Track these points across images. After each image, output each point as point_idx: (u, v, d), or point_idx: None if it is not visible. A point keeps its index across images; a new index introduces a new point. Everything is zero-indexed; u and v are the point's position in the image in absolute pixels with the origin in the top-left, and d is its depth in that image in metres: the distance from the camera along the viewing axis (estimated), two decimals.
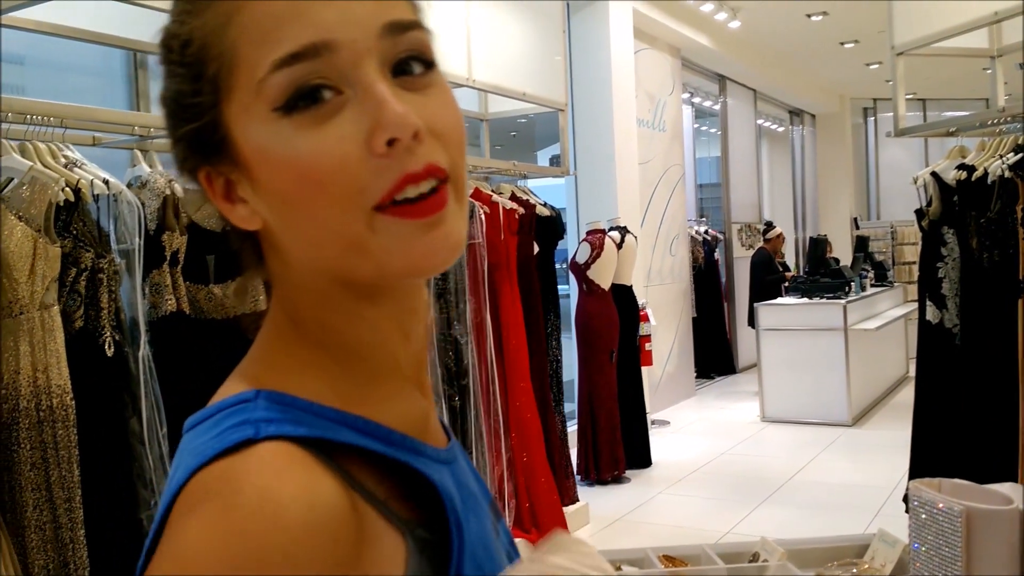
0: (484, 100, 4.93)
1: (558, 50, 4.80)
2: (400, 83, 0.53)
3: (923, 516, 1.23)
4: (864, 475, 5.36)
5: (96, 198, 2.10)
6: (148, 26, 2.83)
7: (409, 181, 0.52)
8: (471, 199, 3.89)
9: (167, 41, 0.56)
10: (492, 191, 4.16)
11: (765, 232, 8.67)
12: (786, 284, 7.92)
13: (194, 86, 0.54)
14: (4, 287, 1.88)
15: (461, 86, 4.06)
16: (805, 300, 7.25)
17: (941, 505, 1.21)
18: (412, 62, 0.54)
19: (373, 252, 0.52)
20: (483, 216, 3.88)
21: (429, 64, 0.55)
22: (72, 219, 2.00)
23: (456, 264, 3.71)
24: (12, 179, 2.03)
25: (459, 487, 0.60)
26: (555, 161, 10.55)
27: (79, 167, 2.12)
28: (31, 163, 2.01)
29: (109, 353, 2.01)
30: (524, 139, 12.32)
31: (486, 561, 0.59)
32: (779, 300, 7.49)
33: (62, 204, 1.99)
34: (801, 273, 8.56)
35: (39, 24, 2.61)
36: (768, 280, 8.03)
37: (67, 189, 2.00)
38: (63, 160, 2.12)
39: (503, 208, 4.05)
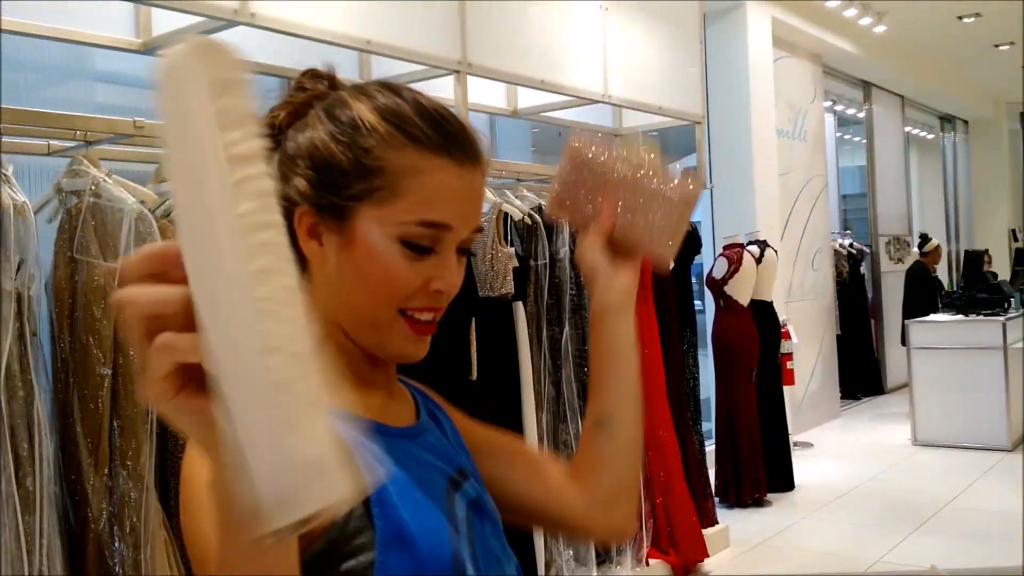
0: (618, 115, 4.91)
1: (694, 61, 4.73)
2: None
3: None
4: None
5: None
6: (301, 54, 2.96)
7: (429, 310, 0.82)
8: None
9: (355, 126, 0.81)
10: None
11: (921, 245, 8.25)
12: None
13: (355, 176, 0.80)
14: None
15: (597, 102, 4.06)
16: (960, 317, 6.85)
17: None
18: (467, 249, 0.85)
19: (382, 335, 0.82)
20: None
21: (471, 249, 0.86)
22: None
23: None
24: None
25: (406, 453, 0.83)
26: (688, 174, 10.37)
27: None
28: None
29: None
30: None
31: (425, 507, 0.79)
32: (932, 317, 7.09)
33: None
34: (956, 288, 8.09)
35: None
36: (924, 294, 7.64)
37: None
38: None
39: None
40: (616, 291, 0.97)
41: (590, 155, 0.95)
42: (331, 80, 0.88)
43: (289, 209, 0.81)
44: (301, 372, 0.46)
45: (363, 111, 0.81)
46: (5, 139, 2.03)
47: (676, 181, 0.92)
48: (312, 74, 0.87)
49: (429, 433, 0.90)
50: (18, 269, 1.86)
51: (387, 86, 0.84)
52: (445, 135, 0.81)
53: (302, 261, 0.84)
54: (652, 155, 0.94)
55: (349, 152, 0.80)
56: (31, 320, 1.88)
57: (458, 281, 0.83)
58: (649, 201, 0.92)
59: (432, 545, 0.78)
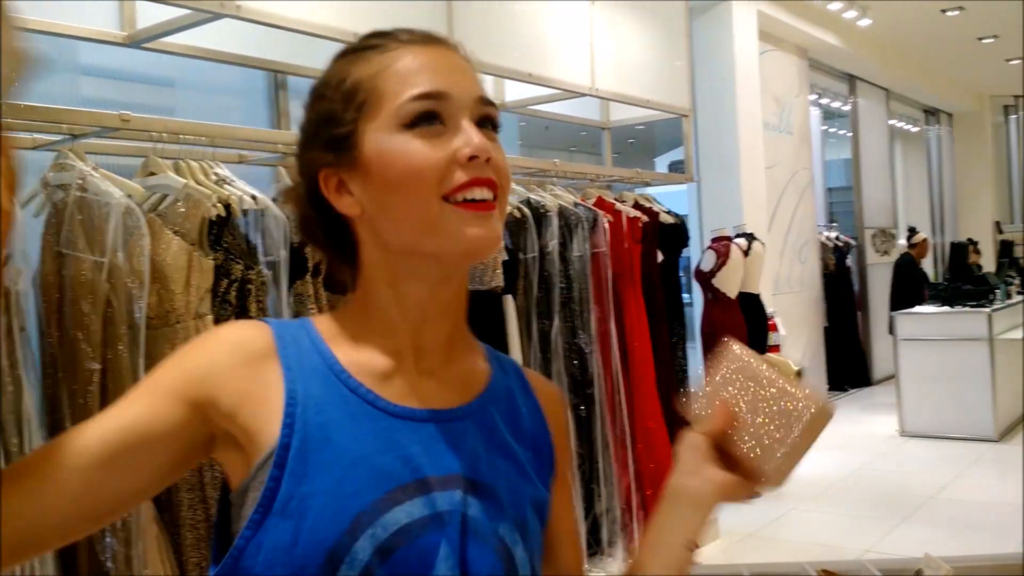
0: (605, 108, 4.90)
1: (681, 55, 4.73)
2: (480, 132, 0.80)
3: None
4: (1012, 493, 5.03)
5: (245, 213, 2.19)
6: (287, 48, 2.95)
7: (477, 183, 0.77)
8: (594, 208, 3.88)
9: (327, 80, 0.83)
10: (615, 199, 4.14)
11: (909, 238, 8.30)
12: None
13: (343, 107, 0.81)
14: (162, 298, 1.99)
15: (584, 95, 4.05)
16: (947, 309, 6.90)
17: None
18: (488, 123, 0.82)
19: (440, 232, 0.76)
20: (607, 225, 3.86)
21: (495, 128, 0.83)
22: (223, 233, 2.10)
23: (580, 273, 3.70)
24: (167, 195, 2.16)
25: (384, 433, 0.78)
26: (675, 167, 10.40)
27: (228, 184, 2.23)
28: (185, 181, 2.12)
29: None
30: (642, 145, 12.21)
31: (340, 495, 0.74)
32: (918, 309, 7.14)
33: (214, 219, 2.09)
34: (941, 280, 8.15)
35: (187, 48, 2.76)
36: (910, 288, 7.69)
37: (218, 205, 2.11)
38: (214, 177, 2.23)
39: (626, 216, 4.01)
40: (711, 485, 0.84)
41: (738, 357, 0.90)
42: None
43: (318, 188, 0.83)
44: None
45: (322, 72, 0.87)
46: None
47: (812, 406, 0.82)
48: None
49: (451, 427, 0.81)
50: (3, 264, 1.85)
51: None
52: (397, 33, 0.84)
53: (354, 249, 0.85)
54: (796, 373, 0.89)
55: (326, 97, 0.83)
56: (19, 315, 1.86)
57: (486, 145, 0.78)
58: (773, 418, 0.84)
59: (315, 531, 0.72)
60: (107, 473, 0.72)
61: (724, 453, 0.85)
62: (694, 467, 0.84)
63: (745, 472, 0.84)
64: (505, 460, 0.83)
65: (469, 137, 0.77)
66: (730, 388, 0.87)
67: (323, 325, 0.84)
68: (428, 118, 0.78)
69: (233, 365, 0.78)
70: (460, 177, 0.77)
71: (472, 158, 0.77)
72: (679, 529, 0.85)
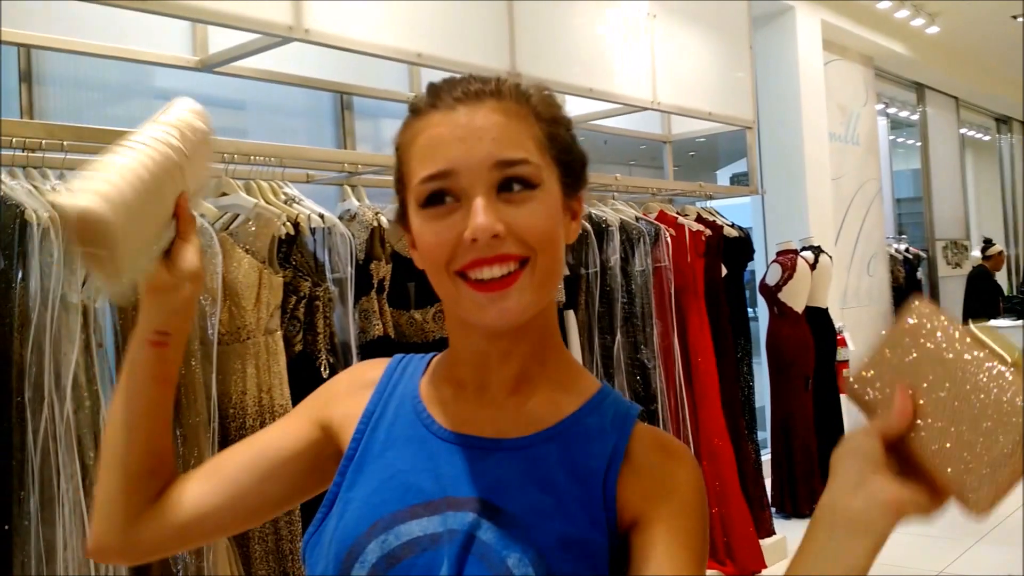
0: (666, 121, 4.88)
1: (743, 66, 4.69)
2: (503, 197, 0.79)
3: None
4: None
5: (312, 231, 2.24)
6: (353, 69, 3.00)
7: (479, 263, 0.77)
8: (656, 222, 3.85)
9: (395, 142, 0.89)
10: (677, 213, 4.10)
11: (984, 249, 8.07)
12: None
13: (396, 175, 0.87)
14: (234, 314, 2.04)
15: (646, 109, 4.04)
16: (1021, 323, 6.67)
17: None
18: (513, 183, 0.79)
19: (461, 306, 0.80)
20: (669, 239, 3.83)
21: (528, 185, 0.80)
22: (292, 251, 2.15)
23: (642, 287, 3.68)
24: (238, 215, 2.21)
25: (428, 452, 0.85)
26: (737, 179, 10.28)
27: (297, 203, 2.27)
28: (256, 200, 2.17)
29: (325, 375, 2.13)
30: (704, 158, 12.05)
31: (370, 503, 0.82)
32: (992, 322, 6.93)
33: (283, 237, 2.13)
34: (1016, 293, 7.90)
35: (257, 72, 2.84)
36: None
37: (287, 223, 2.15)
38: (283, 197, 2.28)
39: (689, 230, 3.98)
40: (879, 504, 0.67)
41: (928, 326, 0.68)
42: None
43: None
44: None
45: None
46: (69, 156, 2.08)
47: None
48: None
49: (491, 455, 0.84)
50: (84, 283, 1.91)
51: None
52: (434, 93, 0.83)
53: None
54: (1017, 361, 0.63)
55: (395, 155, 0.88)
56: (97, 332, 1.92)
57: (486, 224, 0.76)
58: (985, 419, 0.62)
59: (343, 529, 0.82)
60: (261, 480, 0.89)
61: (898, 452, 0.66)
62: (855, 479, 0.67)
63: (930, 485, 0.66)
64: (543, 494, 0.81)
65: (471, 218, 0.77)
66: (919, 368, 0.66)
67: (437, 356, 0.94)
68: (437, 198, 0.79)
69: (345, 393, 0.93)
70: (465, 258, 0.78)
71: (474, 239, 0.76)
72: (836, 562, 0.67)
